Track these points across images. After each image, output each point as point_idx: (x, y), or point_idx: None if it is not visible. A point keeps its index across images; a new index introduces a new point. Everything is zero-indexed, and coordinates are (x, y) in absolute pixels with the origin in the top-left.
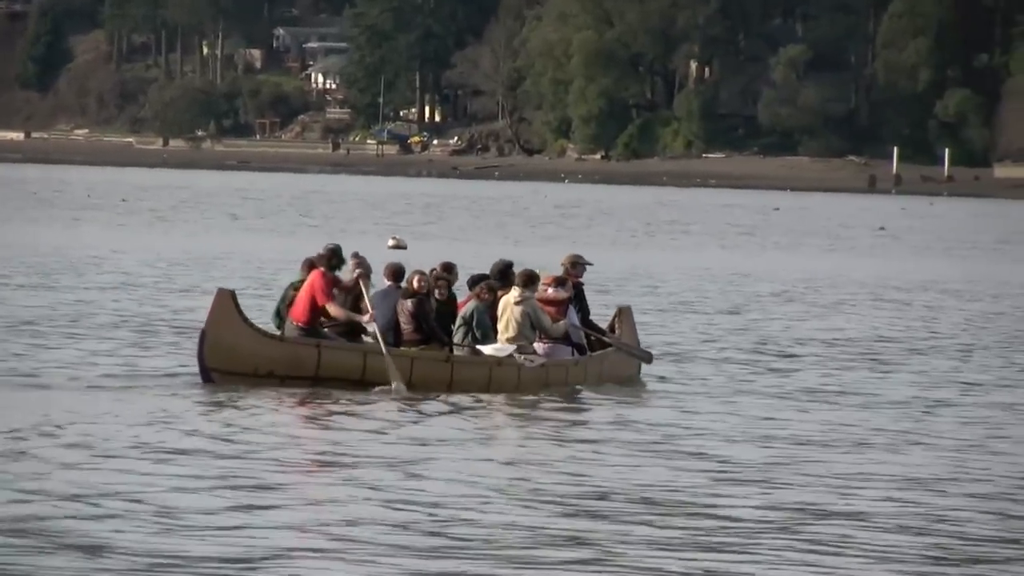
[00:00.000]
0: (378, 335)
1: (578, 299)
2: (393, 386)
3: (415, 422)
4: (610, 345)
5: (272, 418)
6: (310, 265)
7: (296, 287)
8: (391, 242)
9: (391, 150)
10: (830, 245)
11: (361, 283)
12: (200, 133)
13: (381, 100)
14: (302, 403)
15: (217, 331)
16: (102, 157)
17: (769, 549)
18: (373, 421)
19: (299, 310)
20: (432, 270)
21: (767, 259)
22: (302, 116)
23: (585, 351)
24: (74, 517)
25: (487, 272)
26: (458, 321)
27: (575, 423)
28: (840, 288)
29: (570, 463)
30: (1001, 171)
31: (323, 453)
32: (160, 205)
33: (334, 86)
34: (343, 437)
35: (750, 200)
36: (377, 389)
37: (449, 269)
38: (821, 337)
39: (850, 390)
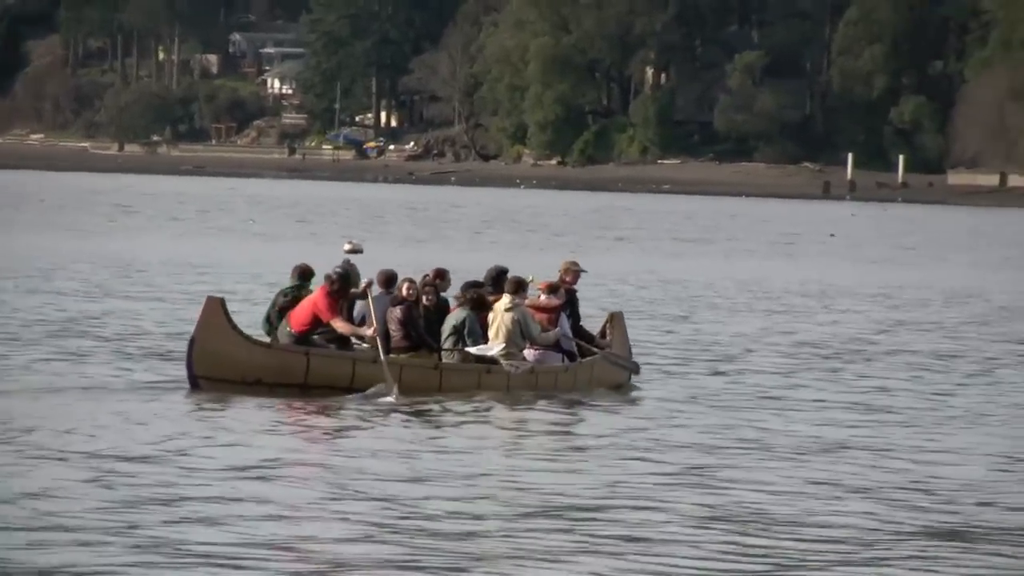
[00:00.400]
0: (379, 344)
1: (571, 306)
2: (389, 393)
3: (403, 427)
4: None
5: (259, 425)
6: (300, 273)
7: (286, 294)
8: (347, 246)
9: (347, 155)
10: (778, 250)
11: (369, 294)
12: (156, 138)
13: (337, 105)
14: (290, 410)
15: (206, 338)
16: (57, 162)
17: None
18: (360, 428)
19: (300, 319)
20: (425, 276)
21: (715, 264)
22: (258, 121)
23: (576, 358)
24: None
25: (481, 279)
26: (448, 328)
27: (564, 431)
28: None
29: (549, 471)
30: (955, 178)
31: (308, 461)
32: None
33: (290, 91)
34: (330, 445)
35: (703, 206)
36: (371, 393)
37: (442, 276)
38: (768, 340)
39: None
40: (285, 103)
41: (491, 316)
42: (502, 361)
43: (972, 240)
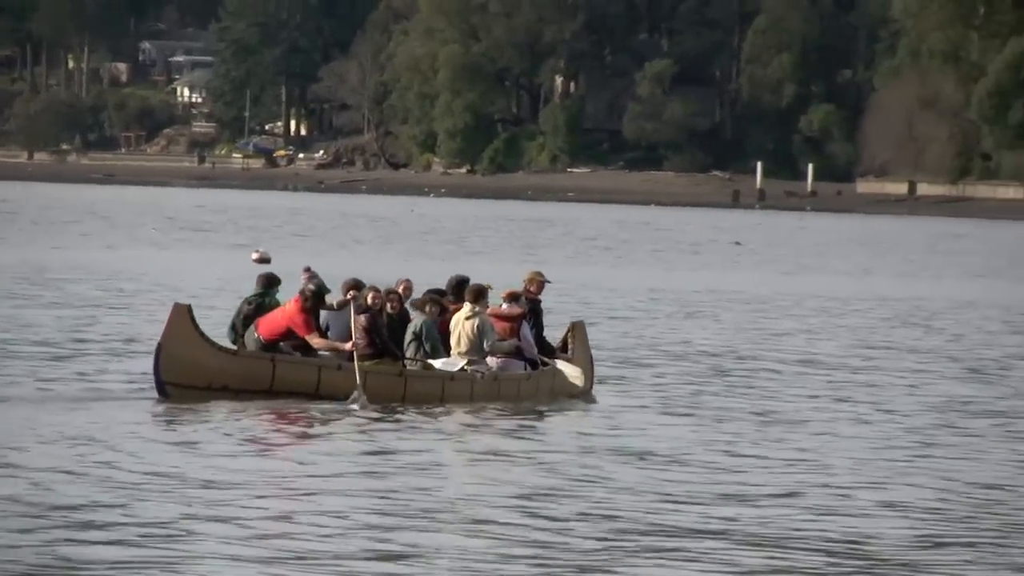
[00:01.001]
0: (355, 354)
1: (534, 315)
2: (356, 399)
3: (367, 436)
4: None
5: (227, 432)
6: (266, 280)
7: (250, 302)
8: (255, 255)
9: (257, 164)
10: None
11: (351, 306)
12: (65, 146)
13: (247, 114)
14: (257, 417)
15: (173, 345)
16: None
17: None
18: (328, 435)
19: (272, 329)
20: (399, 283)
21: (614, 273)
22: (168, 129)
23: (538, 366)
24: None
25: (443, 287)
26: (408, 335)
27: (524, 436)
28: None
29: (513, 481)
30: (864, 186)
31: (275, 469)
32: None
33: (200, 100)
34: (297, 453)
35: (612, 215)
36: (349, 401)
37: (409, 287)
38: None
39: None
40: (195, 111)
41: (452, 324)
42: (466, 367)
43: (875, 248)
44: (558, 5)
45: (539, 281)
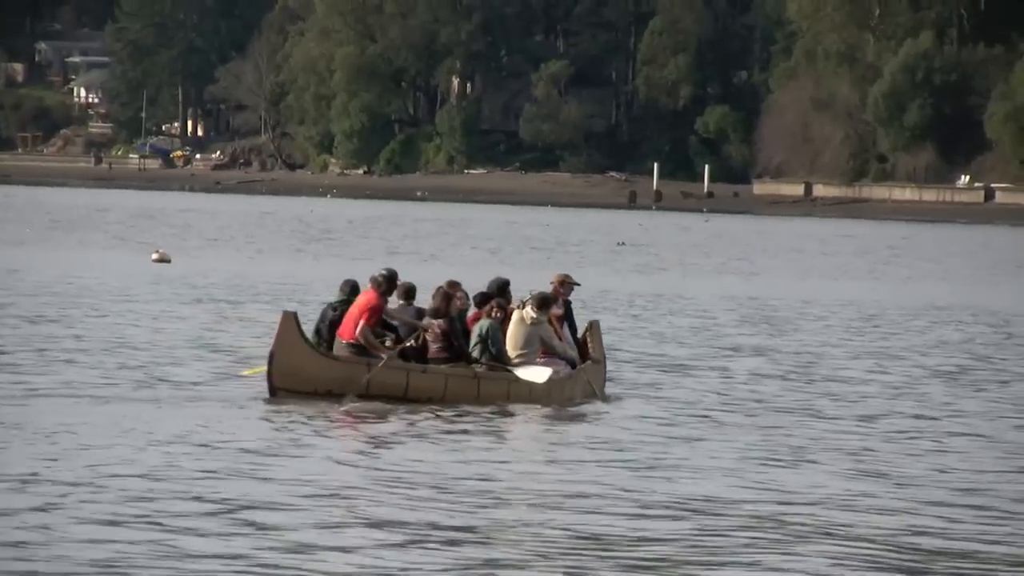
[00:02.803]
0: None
1: (567, 316)
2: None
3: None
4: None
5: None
6: (350, 287)
7: (335, 307)
8: (154, 255)
9: (153, 164)
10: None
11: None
12: None
13: (143, 114)
14: (356, 419)
15: (283, 352)
16: None
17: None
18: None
19: (349, 329)
20: (440, 288)
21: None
22: (64, 130)
23: (576, 365)
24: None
25: (487, 290)
26: (474, 338)
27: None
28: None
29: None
30: (760, 187)
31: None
32: None
33: (96, 100)
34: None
35: (506, 216)
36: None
37: (455, 287)
38: None
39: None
40: (92, 112)
41: (511, 326)
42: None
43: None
44: (454, 6)
45: (568, 283)
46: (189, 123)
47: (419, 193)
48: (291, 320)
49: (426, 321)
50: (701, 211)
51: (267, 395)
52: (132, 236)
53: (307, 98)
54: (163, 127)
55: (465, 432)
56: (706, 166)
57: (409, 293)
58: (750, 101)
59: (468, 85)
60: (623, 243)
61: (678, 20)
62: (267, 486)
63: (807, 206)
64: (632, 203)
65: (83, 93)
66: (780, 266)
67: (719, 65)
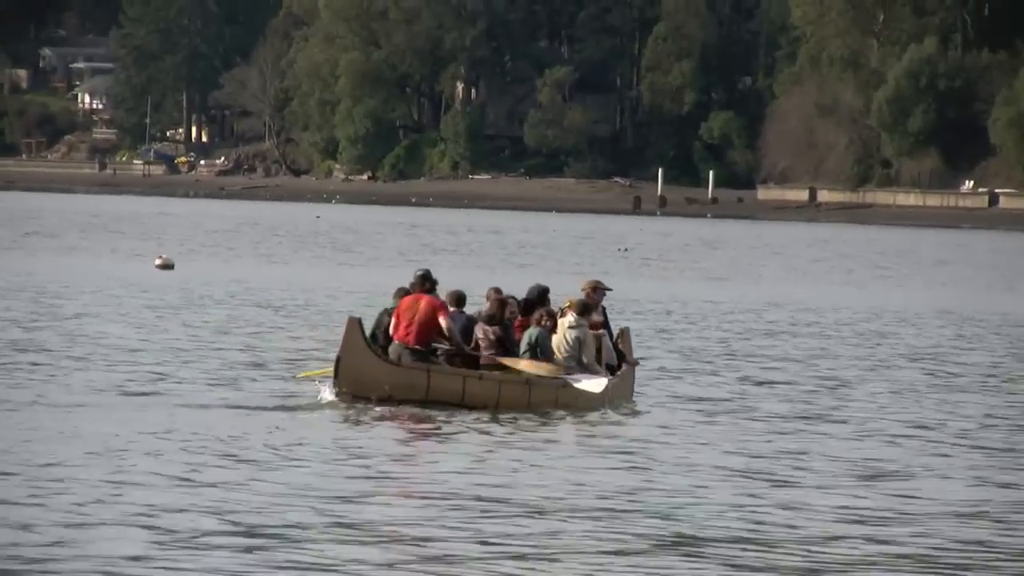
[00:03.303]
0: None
1: (605, 323)
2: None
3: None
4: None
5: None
6: (404, 293)
7: (390, 313)
8: (158, 261)
9: (158, 170)
10: (568, 265)
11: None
12: None
13: (148, 120)
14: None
15: (349, 357)
16: None
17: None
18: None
19: (414, 334)
20: (494, 295)
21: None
22: (68, 136)
23: (615, 371)
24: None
25: (528, 297)
26: (523, 346)
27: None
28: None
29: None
30: (764, 193)
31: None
32: None
33: (101, 106)
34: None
35: (510, 221)
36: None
37: (500, 293)
38: None
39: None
40: (96, 118)
41: (556, 334)
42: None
43: (772, 256)
44: (458, 12)
45: (600, 289)
46: (193, 129)
47: (413, 199)
48: (356, 325)
49: (479, 327)
50: (706, 216)
51: (331, 398)
52: (135, 242)
53: (311, 104)
54: (167, 133)
55: (507, 439)
56: (710, 172)
57: (460, 300)
58: (754, 107)
59: (472, 91)
60: (625, 248)
61: (682, 26)
62: (321, 489)
63: (811, 212)
64: (636, 209)
65: (87, 99)
66: (775, 272)
67: (723, 71)
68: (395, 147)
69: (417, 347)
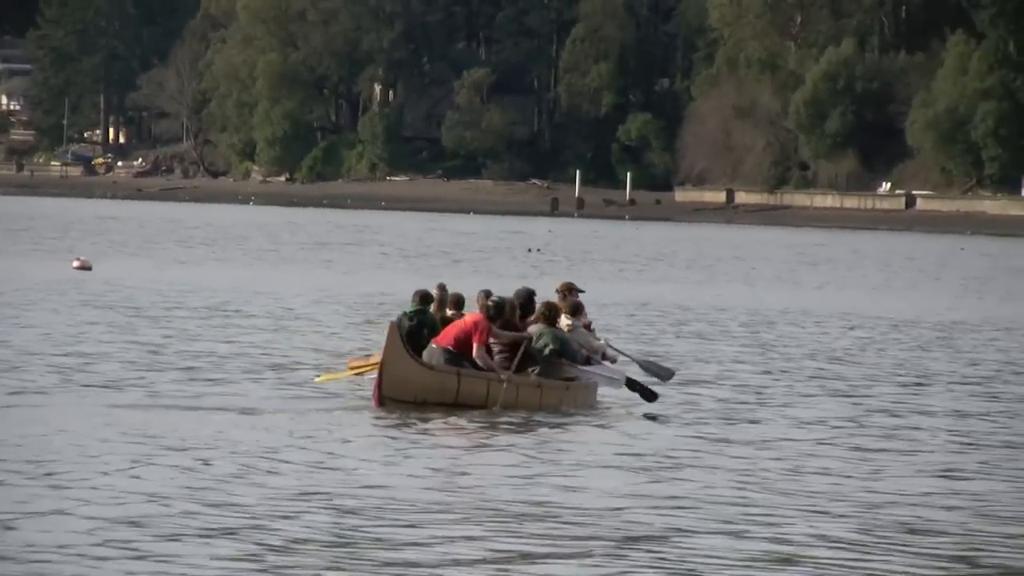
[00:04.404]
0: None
1: None
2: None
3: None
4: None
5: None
6: (421, 297)
7: (411, 317)
8: (76, 263)
9: (75, 172)
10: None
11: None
12: None
13: (65, 122)
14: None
15: (391, 362)
16: None
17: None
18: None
19: (451, 338)
20: (483, 295)
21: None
22: None
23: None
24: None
25: (522, 301)
26: (544, 349)
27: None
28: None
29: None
30: (682, 195)
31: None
32: None
33: (18, 107)
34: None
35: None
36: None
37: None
38: None
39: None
40: (13, 119)
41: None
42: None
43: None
44: (376, 14)
45: (575, 290)
46: (111, 130)
47: (325, 201)
48: (397, 330)
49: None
50: (624, 218)
51: (373, 404)
52: (55, 244)
53: (229, 105)
54: (85, 134)
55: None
56: (628, 173)
57: (459, 303)
58: (672, 108)
59: (390, 92)
60: (537, 249)
61: (600, 28)
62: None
63: (729, 213)
64: (555, 210)
65: (4, 100)
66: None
67: (641, 73)
68: (313, 149)
69: (450, 348)
